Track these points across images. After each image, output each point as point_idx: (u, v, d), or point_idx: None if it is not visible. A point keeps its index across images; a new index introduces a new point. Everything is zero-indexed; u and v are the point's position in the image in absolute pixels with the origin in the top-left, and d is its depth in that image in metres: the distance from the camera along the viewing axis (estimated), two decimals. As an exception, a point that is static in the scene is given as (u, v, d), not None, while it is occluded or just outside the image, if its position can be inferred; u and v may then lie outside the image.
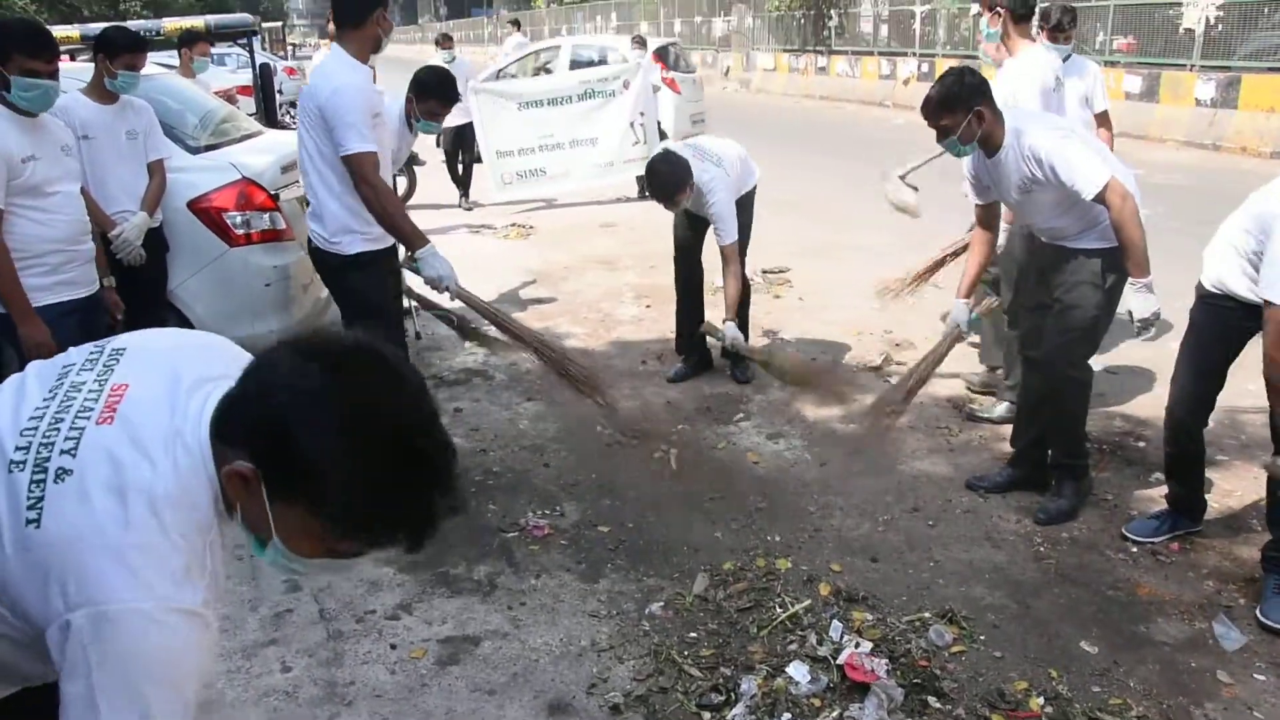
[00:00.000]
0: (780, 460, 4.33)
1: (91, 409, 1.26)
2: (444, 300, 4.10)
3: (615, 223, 9.59)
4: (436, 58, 10.82)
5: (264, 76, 8.49)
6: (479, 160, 10.27)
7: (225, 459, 1.22)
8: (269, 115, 8.22)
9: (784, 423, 4.72)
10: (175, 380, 1.30)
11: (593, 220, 9.75)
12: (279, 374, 1.20)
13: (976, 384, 5.11)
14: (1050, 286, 3.70)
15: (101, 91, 4.21)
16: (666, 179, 4.66)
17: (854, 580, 3.36)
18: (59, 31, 7.31)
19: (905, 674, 2.84)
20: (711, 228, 4.97)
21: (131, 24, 7.37)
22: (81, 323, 3.58)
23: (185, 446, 1.24)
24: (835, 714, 2.69)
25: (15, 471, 1.21)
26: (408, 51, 51.73)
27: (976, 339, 5.21)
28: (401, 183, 9.15)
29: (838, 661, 2.87)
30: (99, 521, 1.17)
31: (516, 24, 18.52)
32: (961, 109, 3.40)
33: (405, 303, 5.41)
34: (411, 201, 10.00)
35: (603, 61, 13.00)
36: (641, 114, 10.18)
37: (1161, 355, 4.13)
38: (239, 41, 9.35)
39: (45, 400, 1.29)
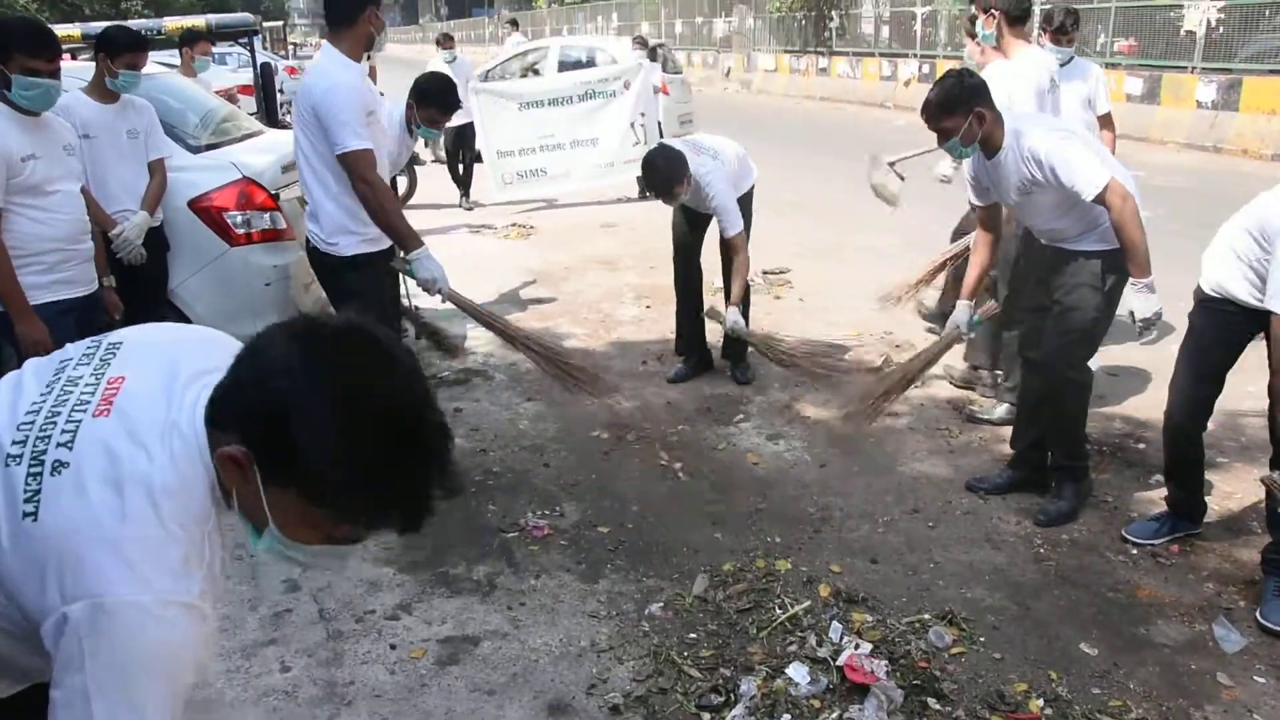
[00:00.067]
0: (780, 461, 4.33)
1: (88, 402, 1.26)
2: (435, 301, 4.08)
3: (616, 223, 9.59)
4: (437, 57, 10.84)
5: (265, 76, 8.50)
6: (480, 160, 10.27)
7: (220, 445, 1.22)
8: (270, 114, 8.22)
9: (784, 424, 4.72)
10: (173, 372, 1.30)
11: (593, 220, 9.75)
12: (270, 356, 1.20)
13: (957, 378, 5.13)
14: (1050, 288, 3.70)
15: (102, 91, 4.21)
16: (662, 172, 4.67)
17: (854, 581, 3.36)
18: (60, 30, 7.32)
19: (905, 675, 2.83)
20: (714, 224, 4.98)
21: (133, 23, 7.37)
22: (79, 322, 3.57)
23: (181, 436, 1.23)
24: (835, 715, 2.69)
25: (11, 465, 1.22)
26: (408, 51, 51.82)
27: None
28: (402, 182, 9.16)
29: (837, 663, 2.87)
30: (96, 513, 1.17)
31: (515, 24, 18.53)
32: (962, 110, 3.40)
33: (405, 302, 5.41)
34: (412, 201, 10.02)
35: (591, 62, 13.02)
36: (642, 114, 10.18)
37: (1162, 357, 4.13)
38: (240, 41, 9.34)
39: (42, 395, 1.30)
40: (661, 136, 10.03)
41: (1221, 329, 3.32)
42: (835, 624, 3.06)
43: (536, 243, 8.96)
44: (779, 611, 3.16)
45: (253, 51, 8.77)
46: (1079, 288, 3.57)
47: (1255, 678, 2.86)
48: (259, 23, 9.60)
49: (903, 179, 5.91)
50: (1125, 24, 15.96)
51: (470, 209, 10.43)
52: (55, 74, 3.39)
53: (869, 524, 3.77)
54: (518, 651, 3.01)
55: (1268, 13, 13.85)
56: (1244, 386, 4.04)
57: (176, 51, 7.79)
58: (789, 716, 2.69)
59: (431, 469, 1.22)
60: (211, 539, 1.28)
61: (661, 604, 3.24)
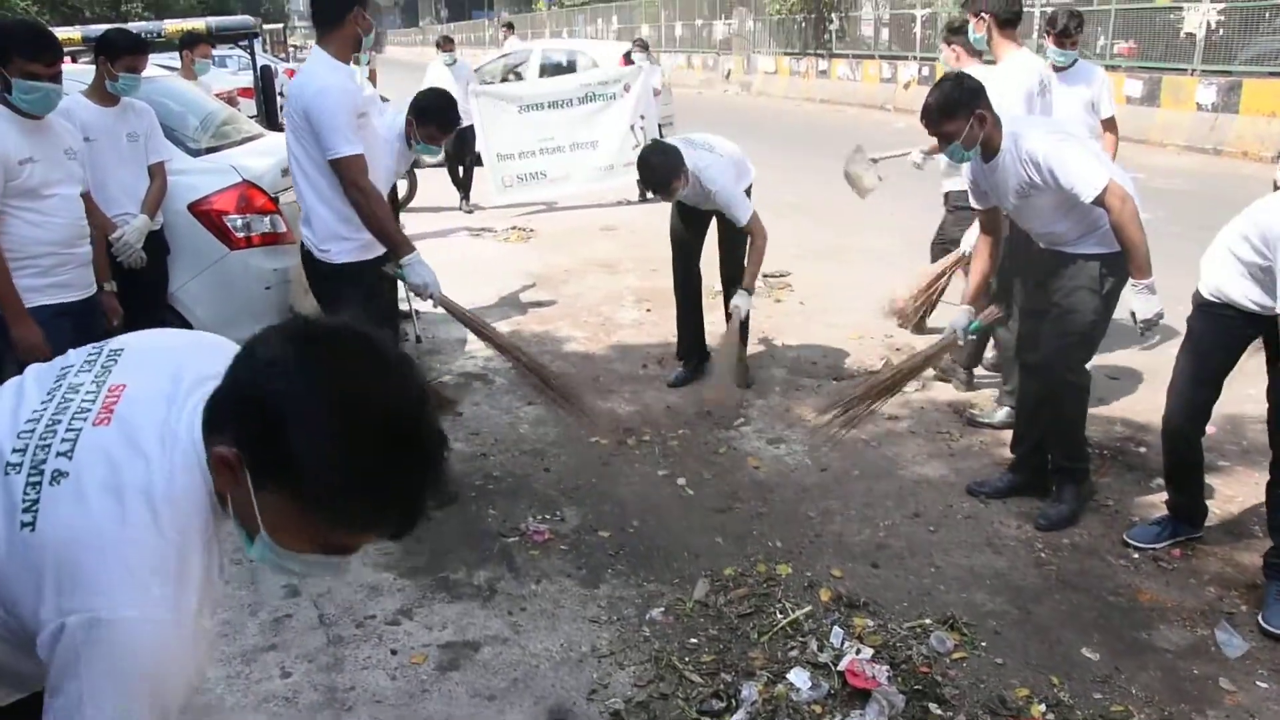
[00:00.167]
0: (781, 465, 4.32)
1: (89, 410, 1.26)
2: (426, 307, 4.07)
3: (616, 226, 9.59)
4: (437, 60, 10.84)
5: (265, 78, 8.49)
6: (479, 163, 10.27)
7: (214, 447, 1.20)
8: (270, 117, 8.21)
9: (784, 428, 4.71)
10: (175, 379, 1.30)
11: (593, 223, 9.74)
12: (264, 358, 1.18)
13: (937, 369, 5.17)
14: (1048, 292, 3.69)
15: (102, 94, 4.20)
16: (659, 168, 4.62)
17: (855, 586, 3.35)
18: (60, 33, 7.32)
19: (906, 680, 2.83)
20: (713, 227, 4.98)
21: (133, 26, 7.36)
22: (76, 325, 3.57)
23: (181, 444, 1.23)
24: (836, 721, 2.69)
25: (11, 474, 1.21)
26: (408, 54, 51.86)
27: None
28: (402, 186, 9.14)
29: (839, 668, 2.86)
30: (94, 524, 1.17)
31: (510, 27, 18.55)
32: (963, 114, 3.40)
33: (404, 306, 5.41)
34: (412, 204, 10.01)
35: (572, 65, 13.05)
36: (642, 117, 10.19)
37: (1162, 360, 4.12)
38: (240, 43, 9.34)
39: (43, 403, 1.29)
40: (661, 139, 10.04)
41: (1220, 333, 3.32)
42: (836, 629, 3.06)
43: (536, 246, 8.96)
44: (780, 616, 3.15)
45: (253, 54, 8.77)
46: (1077, 290, 3.56)
47: (1258, 682, 2.85)
48: (259, 25, 9.61)
49: (880, 179, 5.96)
50: (1125, 26, 15.97)
51: (470, 212, 10.43)
52: (56, 78, 3.38)
53: (870, 528, 3.76)
54: (518, 657, 3.01)
55: (1268, 15, 13.86)
56: (1245, 390, 4.03)
57: (177, 54, 7.79)
58: (790, 722, 2.68)
59: (425, 474, 1.19)
60: (211, 547, 1.27)
61: (662, 609, 3.23)
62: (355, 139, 3.48)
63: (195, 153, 4.91)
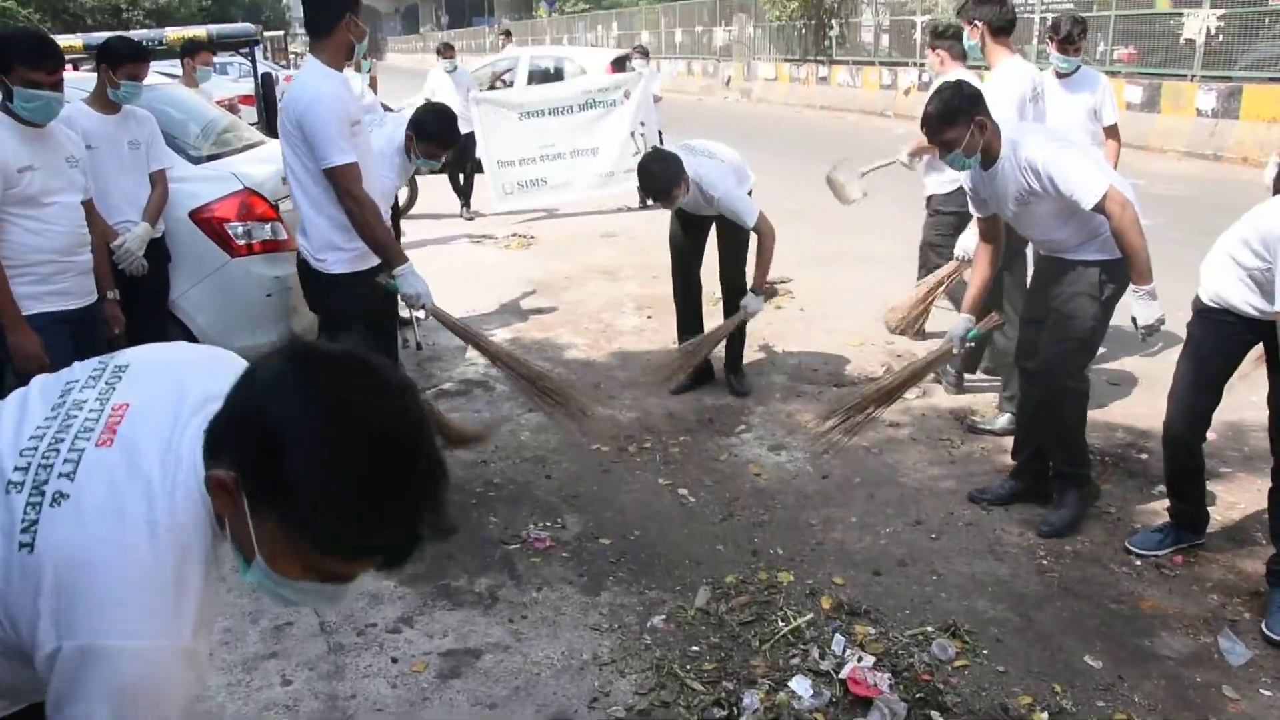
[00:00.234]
0: (782, 472, 4.32)
1: (91, 430, 1.25)
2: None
3: (616, 233, 9.59)
4: (438, 67, 10.85)
5: (266, 86, 8.51)
6: (480, 170, 10.29)
7: (213, 470, 1.19)
8: (271, 124, 8.22)
9: (785, 434, 4.71)
10: (179, 398, 1.29)
11: (594, 230, 9.75)
12: (263, 382, 1.17)
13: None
14: (1047, 298, 3.69)
15: (104, 101, 4.21)
16: (659, 175, 4.62)
17: (856, 594, 3.35)
18: (62, 41, 7.33)
19: (908, 688, 2.82)
20: (713, 234, 4.98)
21: (134, 33, 7.40)
22: (75, 334, 3.57)
23: (182, 466, 1.22)
24: (838, 729, 2.68)
25: (13, 493, 1.20)
26: (409, 61, 51.94)
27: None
28: (403, 193, 9.16)
29: (840, 676, 2.86)
30: (93, 549, 1.16)
31: (508, 34, 18.62)
32: (963, 121, 3.40)
33: (405, 313, 5.41)
34: (413, 211, 10.03)
35: (559, 72, 13.09)
36: (642, 124, 10.20)
37: (1163, 367, 4.13)
38: (241, 51, 9.38)
39: (47, 420, 1.28)
40: (662, 145, 10.04)
41: (1220, 339, 3.31)
42: (838, 636, 3.05)
43: (537, 252, 8.97)
44: (781, 624, 3.15)
45: (254, 61, 8.80)
46: (1077, 296, 3.56)
47: (1261, 690, 2.85)
48: (260, 33, 9.64)
49: (866, 194, 6.05)
50: (1125, 32, 16.00)
51: (471, 219, 10.44)
52: (57, 86, 3.39)
53: (871, 535, 3.76)
54: (519, 665, 3.00)
55: (1267, 20, 13.89)
56: (1247, 396, 4.03)
57: (178, 62, 7.81)
58: (792, 730, 2.68)
59: (422, 503, 1.17)
60: (211, 571, 1.26)
61: (664, 616, 3.23)
62: (348, 148, 3.47)
63: (196, 160, 4.91)
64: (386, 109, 7.28)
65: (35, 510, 1.19)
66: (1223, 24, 14.17)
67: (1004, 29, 4.69)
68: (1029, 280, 3.94)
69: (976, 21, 4.70)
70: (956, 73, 5.33)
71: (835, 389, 5.22)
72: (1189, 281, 3.48)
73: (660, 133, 10.51)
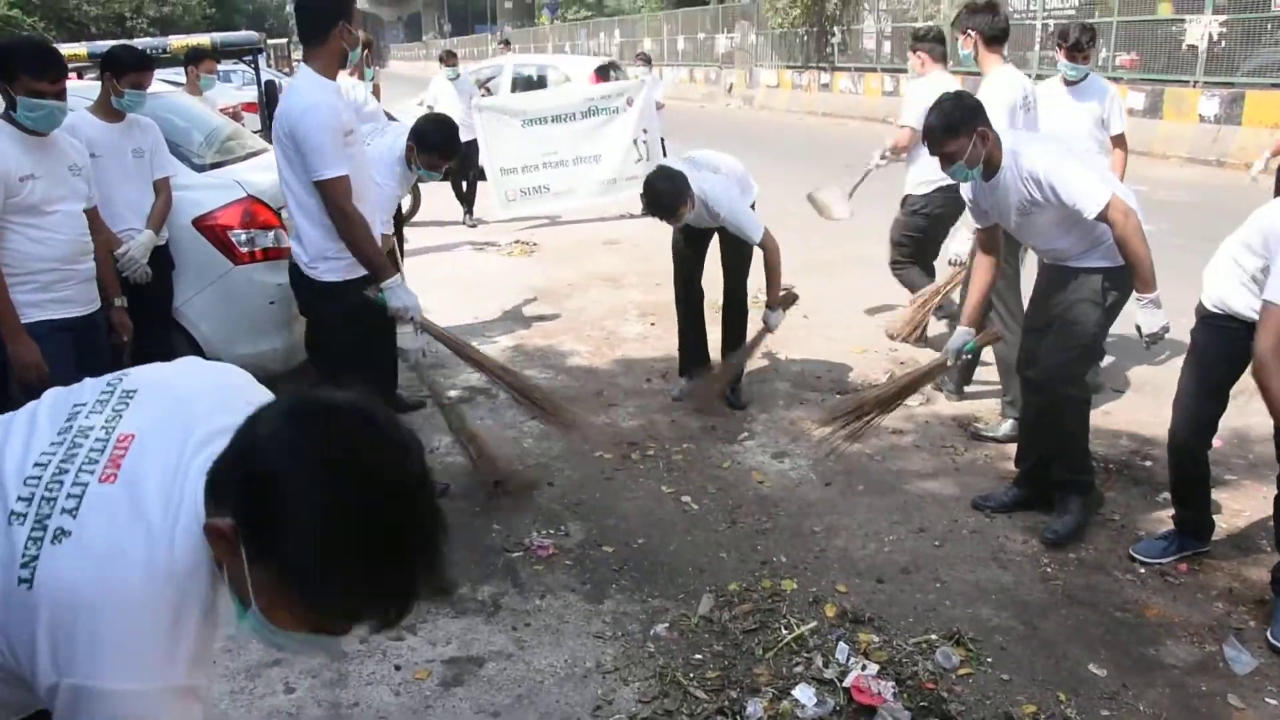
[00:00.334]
0: (785, 480, 4.31)
1: (96, 462, 1.24)
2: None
3: (619, 240, 9.60)
4: (440, 75, 10.88)
5: (269, 93, 8.52)
6: (483, 177, 10.30)
7: (213, 517, 1.18)
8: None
9: (788, 442, 4.70)
10: (185, 433, 1.28)
11: (596, 237, 9.76)
12: (263, 432, 1.16)
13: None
14: (1050, 305, 3.68)
15: (108, 110, 4.22)
16: (665, 194, 4.59)
17: (860, 601, 3.34)
18: (67, 49, 7.35)
19: (912, 696, 2.82)
20: (715, 242, 4.98)
21: (138, 42, 7.40)
22: (77, 342, 3.57)
23: (184, 507, 1.21)
24: (842, 738, 2.67)
25: (15, 524, 1.20)
26: (411, 68, 52.02)
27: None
28: (406, 200, 9.17)
29: (844, 684, 2.85)
30: (90, 591, 1.16)
31: (507, 44, 18.70)
32: (965, 132, 3.39)
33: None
34: (416, 218, 10.03)
35: (543, 79, 13.13)
36: (644, 131, 10.21)
37: (1167, 374, 4.12)
38: (245, 59, 9.40)
39: (53, 445, 1.28)
40: (664, 153, 10.05)
41: (1224, 345, 3.31)
42: (842, 644, 3.05)
43: (540, 260, 8.97)
44: (785, 632, 3.14)
45: (257, 69, 8.82)
46: (1080, 303, 3.56)
47: (1267, 699, 2.84)
48: (263, 41, 9.66)
49: (853, 214, 6.27)
50: (1127, 38, 16.01)
51: (474, 226, 10.44)
52: (60, 95, 3.39)
53: (875, 543, 3.75)
54: (522, 672, 3.00)
55: (1270, 27, 13.89)
56: (1252, 403, 4.01)
57: (182, 70, 7.82)
58: (796, 739, 2.67)
59: (419, 565, 1.15)
60: (210, 613, 1.25)
61: (667, 624, 3.22)
62: (339, 161, 3.46)
63: (200, 168, 4.93)
64: (390, 118, 7.29)
65: (36, 546, 1.18)
66: (1225, 30, 14.18)
67: (996, 38, 4.75)
68: (1032, 288, 3.93)
69: (970, 31, 4.76)
70: (936, 74, 5.50)
71: (838, 396, 5.21)
72: (1192, 288, 3.48)
73: (662, 140, 10.52)
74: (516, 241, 9.61)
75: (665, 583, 3.49)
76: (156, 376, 1.43)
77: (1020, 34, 18.22)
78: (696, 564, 3.60)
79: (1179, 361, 3.60)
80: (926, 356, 5.56)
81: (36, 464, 1.25)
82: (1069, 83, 5.02)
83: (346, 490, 1.10)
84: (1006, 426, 4.61)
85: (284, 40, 32.52)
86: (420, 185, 9.75)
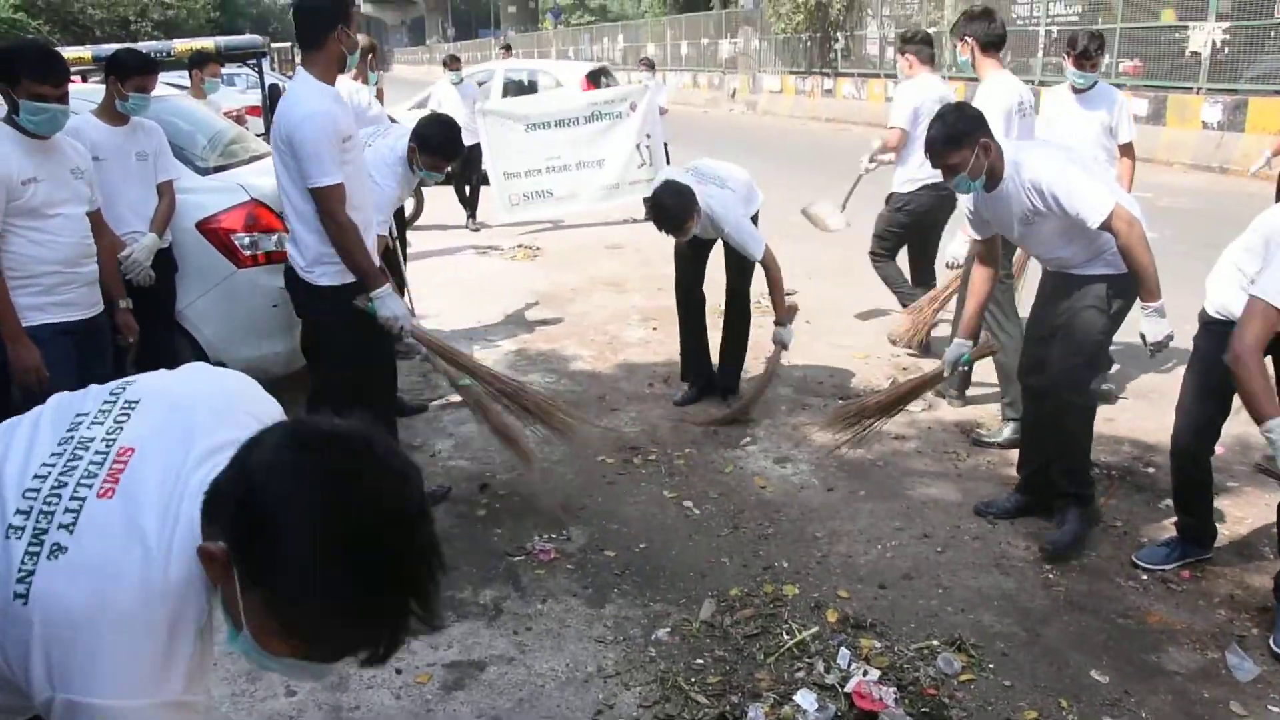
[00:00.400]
0: (787, 485, 4.31)
1: (95, 476, 1.24)
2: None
3: (622, 244, 9.60)
4: (444, 79, 10.91)
5: (273, 97, 8.52)
6: (486, 182, 10.31)
7: (208, 539, 1.17)
8: (278, 136, 8.25)
9: (791, 447, 4.70)
10: (186, 448, 1.27)
11: (599, 242, 9.76)
12: (262, 457, 1.14)
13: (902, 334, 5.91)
14: (1053, 314, 3.67)
15: (112, 113, 4.23)
16: (672, 209, 4.56)
17: (862, 607, 3.33)
18: (71, 53, 7.37)
19: (914, 703, 2.81)
20: (717, 247, 4.98)
21: (142, 45, 7.42)
22: (79, 344, 3.57)
23: (180, 525, 1.20)
24: (843, 743, 2.67)
25: (12, 538, 1.20)
26: (415, 72, 52.09)
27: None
28: (409, 204, 9.18)
29: (846, 689, 2.85)
30: (83, 608, 1.16)
31: (508, 49, 18.73)
32: (968, 144, 3.37)
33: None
34: (419, 222, 10.05)
35: (533, 84, 13.20)
36: (648, 136, 10.21)
37: (1170, 381, 4.12)
38: (249, 62, 9.40)
39: (53, 455, 1.27)
40: (667, 158, 10.06)
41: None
42: (843, 650, 3.04)
43: (543, 264, 8.98)
44: (786, 637, 3.14)
45: (261, 73, 8.82)
46: (1085, 310, 3.55)
47: (1270, 707, 2.83)
48: (267, 44, 9.68)
49: (849, 225, 6.38)
50: (1131, 45, 16.00)
51: (477, 230, 10.46)
52: (63, 99, 3.40)
53: (877, 548, 3.74)
54: (524, 677, 3.00)
55: (1273, 34, 13.88)
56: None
57: (186, 73, 7.84)
58: (797, 744, 2.67)
59: (412, 599, 1.12)
60: (205, 631, 1.25)
61: (668, 629, 3.22)
62: (335, 168, 3.46)
63: (203, 171, 4.94)
64: (394, 122, 7.30)
65: (33, 560, 1.18)
66: (1228, 37, 14.17)
67: (993, 44, 4.83)
68: (1035, 295, 3.92)
69: (967, 37, 4.86)
70: (924, 76, 5.70)
71: (840, 402, 5.21)
72: (1195, 295, 3.48)
73: (666, 145, 10.52)
74: (519, 246, 9.62)
75: (667, 587, 3.48)
76: (160, 386, 1.42)
77: (1024, 40, 18.22)
78: (698, 569, 3.60)
79: (1182, 369, 3.59)
80: (930, 363, 5.57)
81: (36, 475, 1.25)
82: (1077, 91, 5.00)
83: (341, 525, 1.08)
84: (1008, 431, 4.60)
85: (288, 44, 32.58)
86: (424, 189, 9.78)
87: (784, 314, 4.88)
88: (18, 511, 1.22)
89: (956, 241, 4.98)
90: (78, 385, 1.45)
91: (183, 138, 5.02)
